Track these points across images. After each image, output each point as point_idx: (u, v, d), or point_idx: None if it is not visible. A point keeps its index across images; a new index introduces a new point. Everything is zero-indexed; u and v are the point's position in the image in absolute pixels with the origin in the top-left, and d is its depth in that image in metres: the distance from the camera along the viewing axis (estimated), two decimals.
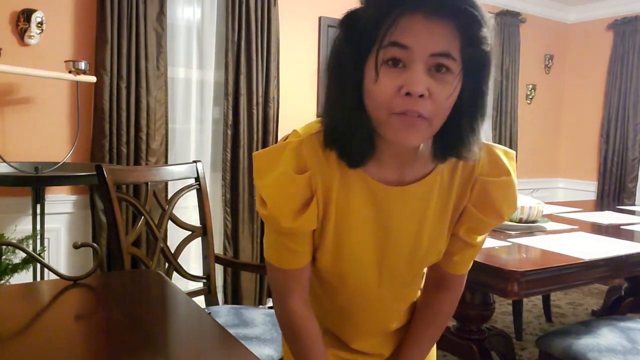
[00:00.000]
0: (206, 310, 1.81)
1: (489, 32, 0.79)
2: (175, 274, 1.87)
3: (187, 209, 2.70)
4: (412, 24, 0.75)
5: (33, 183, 2.29)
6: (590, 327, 1.89)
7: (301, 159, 0.87)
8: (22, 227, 2.53)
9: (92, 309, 1.12)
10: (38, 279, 2.31)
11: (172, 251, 1.87)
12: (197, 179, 1.97)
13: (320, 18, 3.49)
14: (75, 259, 2.74)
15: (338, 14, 0.87)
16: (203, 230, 1.95)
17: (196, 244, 2.01)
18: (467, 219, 0.97)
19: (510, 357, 2.23)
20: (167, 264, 1.88)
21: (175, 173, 1.96)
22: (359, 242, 0.95)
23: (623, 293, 2.89)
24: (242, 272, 3.15)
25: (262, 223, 0.95)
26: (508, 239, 2.06)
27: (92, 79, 2.56)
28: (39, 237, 2.32)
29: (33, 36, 2.54)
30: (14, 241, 1.71)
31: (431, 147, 0.89)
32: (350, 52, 0.81)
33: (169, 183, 2.80)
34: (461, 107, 0.82)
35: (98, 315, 1.06)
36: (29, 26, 2.52)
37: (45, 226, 2.39)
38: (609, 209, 3.07)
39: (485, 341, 2.06)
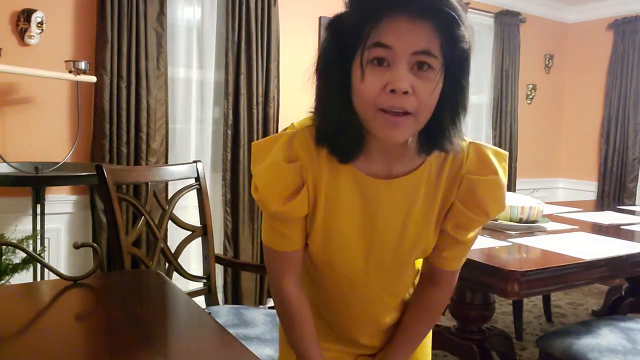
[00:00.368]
0: (206, 310, 1.81)
1: (466, 31, 0.84)
2: (175, 274, 1.87)
3: (187, 209, 2.70)
4: (394, 25, 0.80)
5: (33, 183, 2.29)
6: (591, 327, 1.89)
7: (292, 150, 0.93)
8: (22, 227, 2.53)
9: (92, 309, 1.12)
10: (38, 279, 2.31)
11: (172, 251, 1.87)
12: (197, 179, 1.96)
13: (320, 18, 3.49)
14: (76, 259, 2.74)
15: (337, 12, 0.89)
16: (203, 230, 1.95)
17: (196, 244, 2.01)
18: (454, 215, 1.00)
19: (511, 357, 2.23)
20: (167, 264, 1.88)
21: (176, 173, 1.96)
22: (347, 231, 0.99)
23: (623, 293, 2.89)
24: (242, 272, 3.15)
25: (262, 219, 0.99)
26: (508, 239, 2.06)
27: (92, 79, 2.56)
28: (39, 237, 2.32)
29: (33, 36, 2.54)
30: (14, 241, 1.71)
31: (417, 140, 0.93)
32: (336, 54, 0.87)
33: (169, 183, 2.80)
34: (443, 102, 0.87)
35: (98, 315, 1.06)
36: (29, 26, 2.52)
37: (46, 226, 2.39)
38: (609, 209, 3.07)
39: (485, 341, 2.06)
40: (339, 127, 0.89)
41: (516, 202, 2.24)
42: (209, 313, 1.69)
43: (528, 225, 2.23)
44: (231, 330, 1.49)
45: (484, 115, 4.60)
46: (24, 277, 2.08)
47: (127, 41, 2.71)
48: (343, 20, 0.86)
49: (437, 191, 0.99)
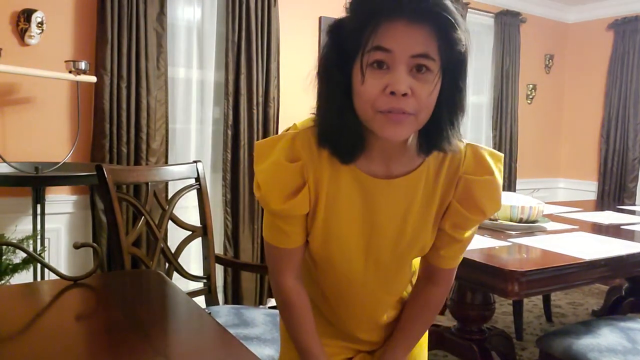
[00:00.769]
0: (206, 310, 1.81)
1: (463, 34, 0.86)
2: (175, 274, 1.87)
3: (188, 209, 2.70)
4: (393, 29, 0.83)
5: (33, 183, 2.29)
6: (591, 327, 1.89)
7: (294, 149, 0.96)
8: (23, 227, 2.53)
9: (92, 309, 1.12)
10: (38, 279, 2.31)
11: (173, 251, 1.87)
12: (198, 179, 1.96)
13: (320, 18, 3.49)
14: (76, 259, 2.74)
15: (338, 14, 0.93)
16: (203, 231, 1.95)
17: (196, 244, 2.01)
18: (452, 215, 1.02)
19: (511, 357, 2.23)
20: (167, 264, 1.88)
21: (176, 173, 1.96)
22: (347, 230, 1.01)
23: (623, 293, 2.89)
24: (243, 272, 3.15)
25: (262, 219, 1.01)
26: (508, 239, 2.06)
27: (93, 79, 2.56)
28: (39, 237, 2.32)
29: (33, 36, 2.54)
30: (14, 241, 1.71)
31: (416, 141, 0.96)
32: (337, 58, 0.89)
33: (169, 183, 2.80)
34: (441, 103, 0.89)
35: (98, 316, 1.06)
36: (29, 26, 2.52)
37: (46, 226, 2.39)
38: (609, 209, 3.07)
39: (485, 341, 2.06)
40: (340, 128, 0.91)
41: (516, 202, 2.24)
42: (209, 313, 1.69)
43: (528, 225, 2.23)
44: (231, 330, 1.49)
45: (484, 116, 4.60)
46: (24, 277, 2.08)
47: (127, 41, 2.71)
48: (343, 25, 0.88)
49: (435, 191, 1.01)
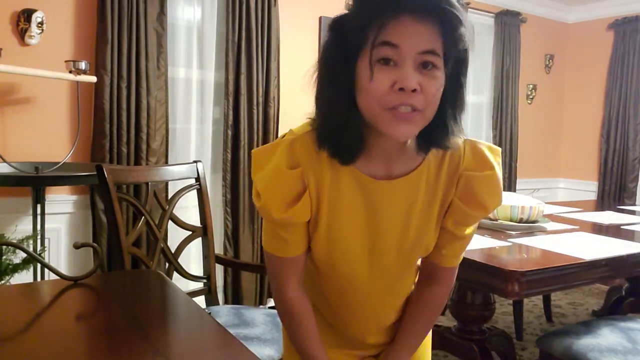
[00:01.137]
0: (206, 310, 1.81)
1: (466, 31, 0.86)
2: (175, 274, 1.87)
3: (188, 209, 2.70)
4: (400, 25, 0.82)
5: (33, 183, 2.29)
6: (591, 327, 1.89)
7: (294, 155, 0.94)
8: (23, 227, 2.53)
9: (92, 309, 1.12)
10: (38, 279, 2.31)
11: (173, 251, 1.87)
12: (198, 179, 1.96)
13: (320, 18, 3.49)
14: (76, 259, 2.74)
15: (338, 13, 0.90)
16: (203, 231, 1.95)
17: (196, 244, 2.01)
18: (454, 212, 1.02)
19: (511, 357, 2.23)
20: (167, 264, 1.88)
21: (176, 173, 1.96)
22: (350, 234, 0.99)
23: (624, 293, 2.89)
24: (243, 272, 3.15)
25: (262, 221, 0.98)
26: (508, 239, 2.06)
27: (93, 79, 2.56)
28: (39, 237, 2.32)
29: (33, 36, 2.54)
30: (14, 241, 1.71)
31: (416, 139, 0.95)
32: (341, 55, 0.88)
33: (169, 183, 2.80)
34: (445, 99, 0.89)
35: (98, 316, 1.06)
36: (29, 26, 2.52)
37: (46, 226, 2.39)
38: (609, 209, 3.07)
39: (486, 341, 2.06)
40: (342, 127, 0.90)
41: (516, 202, 2.24)
42: (209, 313, 1.69)
43: (528, 225, 2.23)
44: (231, 330, 1.48)
45: (484, 115, 4.60)
46: (24, 277, 2.08)
47: (127, 41, 2.71)
48: (346, 21, 0.87)
49: (437, 189, 1.00)
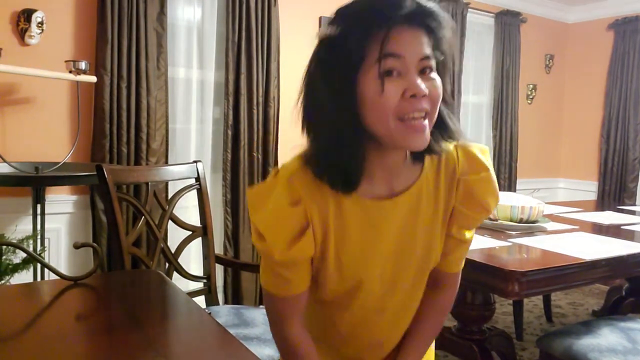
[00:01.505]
0: (206, 310, 1.81)
1: (449, 32, 0.88)
2: (175, 274, 1.86)
3: (188, 209, 2.70)
4: (400, 35, 0.83)
5: (33, 183, 2.29)
6: (591, 327, 1.89)
7: (294, 192, 0.90)
8: (23, 227, 2.52)
9: (92, 309, 1.12)
10: (38, 279, 2.31)
11: (173, 251, 1.87)
12: (198, 179, 1.96)
13: (320, 18, 3.49)
14: (76, 259, 2.74)
15: (324, 33, 0.89)
16: (203, 231, 1.95)
17: (196, 244, 2.01)
18: (458, 218, 1.02)
19: (511, 358, 2.23)
20: (167, 264, 1.88)
21: (176, 173, 1.96)
22: (361, 261, 0.97)
23: (624, 293, 2.89)
24: (243, 272, 3.15)
25: (259, 256, 0.94)
26: (508, 239, 2.06)
27: (93, 79, 2.56)
28: (39, 237, 2.32)
29: (33, 36, 2.54)
30: (15, 241, 1.71)
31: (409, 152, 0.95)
32: (341, 74, 0.85)
33: (169, 183, 2.80)
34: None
35: (98, 315, 1.06)
36: (30, 26, 2.52)
37: (46, 226, 2.39)
38: (609, 209, 3.07)
39: (486, 341, 2.06)
40: (347, 151, 0.88)
41: (516, 202, 2.24)
42: (209, 313, 1.69)
43: (528, 226, 2.22)
44: (231, 330, 1.48)
45: (484, 115, 4.60)
46: (24, 277, 2.08)
47: (127, 41, 2.71)
48: (340, 39, 0.85)
49: (438, 198, 1.00)
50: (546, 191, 4.97)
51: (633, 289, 2.84)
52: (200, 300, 1.91)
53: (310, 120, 0.91)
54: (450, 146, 0.99)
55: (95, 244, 1.31)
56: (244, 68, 3.11)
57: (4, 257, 2.01)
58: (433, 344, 1.22)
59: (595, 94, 4.87)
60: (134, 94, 2.75)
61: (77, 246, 1.20)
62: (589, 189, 4.89)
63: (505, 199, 2.24)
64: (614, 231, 2.37)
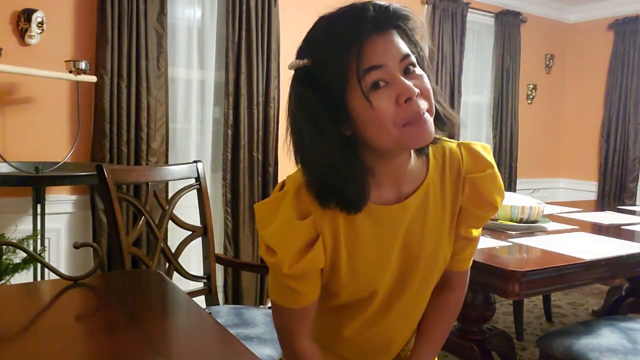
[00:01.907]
0: (207, 310, 1.81)
1: (416, 21, 0.89)
2: (175, 274, 1.87)
3: (188, 209, 2.70)
4: (374, 45, 0.83)
5: (33, 183, 2.29)
6: (591, 327, 1.89)
7: (302, 205, 0.90)
8: (23, 227, 2.53)
9: (92, 309, 1.12)
10: (38, 278, 2.31)
11: (173, 251, 1.87)
12: (198, 178, 1.96)
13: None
14: (76, 258, 2.74)
15: (298, 66, 0.89)
16: (203, 230, 1.95)
17: (196, 244, 2.01)
18: (466, 218, 1.01)
19: (511, 358, 2.23)
20: (167, 264, 1.88)
21: (176, 173, 1.96)
22: (375, 268, 0.97)
23: (624, 293, 2.89)
24: (243, 272, 3.15)
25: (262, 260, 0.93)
26: (509, 239, 2.06)
27: (93, 78, 2.56)
28: (39, 237, 2.32)
29: (33, 36, 2.54)
30: (15, 241, 1.71)
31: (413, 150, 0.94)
32: (324, 102, 0.84)
33: (170, 183, 2.80)
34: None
35: (98, 315, 1.06)
36: (30, 26, 2.52)
37: (46, 226, 2.39)
38: (609, 209, 3.07)
39: (486, 341, 2.06)
40: (345, 181, 0.87)
41: (516, 202, 2.24)
42: (209, 313, 1.69)
43: (528, 226, 2.22)
44: (231, 330, 1.48)
45: (484, 115, 4.60)
46: (24, 277, 2.08)
47: (127, 41, 2.71)
48: (318, 69, 0.85)
49: (445, 199, 0.99)
50: (546, 191, 4.97)
51: (633, 289, 2.84)
52: (201, 300, 1.91)
53: (302, 156, 0.89)
54: (453, 145, 0.99)
55: (95, 244, 1.31)
56: (244, 68, 3.11)
57: (4, 257, 2.01)
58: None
59: (595, 94, 4.87)
60: (134, 94, 2.75)
61: (77, 246, 1.20)
62: (589, 189, 4.89)
63: (506, 199, 2.23)
64: (614, 231, 2.37)
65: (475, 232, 1.06)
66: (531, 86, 4.87)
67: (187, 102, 3.10)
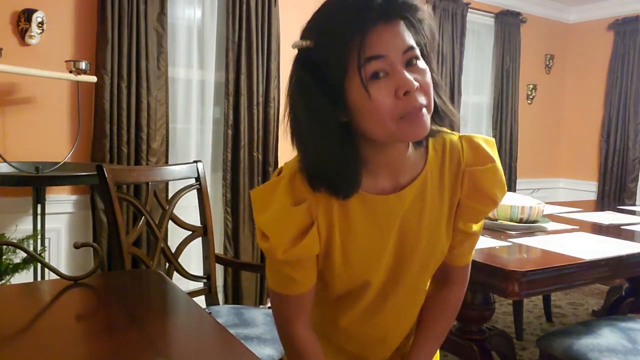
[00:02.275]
0: (207, 310, 1.81)
1: (425, 13, 0.87)
2: (175, 273, 1.87)
3: (188, 209, 2.70)
4: (379, 34, 0.81)
5: (34, 183, 2.29)
6: (591, 327, 1.89)
7: (296, 191, 0.90)
8: (23, 227, 2.53)
9: (92, 308, 1.12)
10: (39, 278, 2.31)
11: (173, 251, 1.87)
12: (198, 178, 1.97)
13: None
14: (76, 258, 2.74)
15: (300, 49, 0.89)
16: (203, 230, 1.95)
17: (197, 244, 2.01)
18: (464, 212, 1.00)
19: (511, 358, 2.23)
20: (167, 264, 1.88)
21: (176, 173, 1.96)
22: (369, 257, 0.96)
23: (624, 293, 2.89)
24: (243, 272, 3.15)
25: (263, 256, 0.94)
26: (509, 239, 2.06)
27: (93, 78, 2.56)
28: (39, 237, 2.32)
29: (34, 36, 2.54)
30: (15, 241, 1.71)
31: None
32: (324, 91, 0.84)
33: (170, 183, 2.80)
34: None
35: (99, 315, 1.06)
36: (30, 26, 2.52)
37: (46, 226, 2.39)
38: (609, 209, 3.07)
39: (485, 341, 2.06)
40: (339, 166, 0.86)
41: (516, 202, 2.24)
42: (210, 313, 1.69)
43: (528, 225, 2.23)
44: (231, 330, 1.48)
45: (484, 115, 4.60)
46: (24, 277, 2.08)
47: (127, 41, 2.71)
48: (319, 53, 0.85)
49: (443, 190, 0.98)
50: (546, 191, 4.97)
51: (633, 289, 2.84)
52: (201, 300, 1.91)
53: (298, 138, 0.89)
54: (455, 137, 0.98)
55: (95, 244, 1.31)
56: (244, 68, 3.11)
57: (4, 257, 2.01)
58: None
59: (595, 94, 4.87)
60: (134, 94, 2.75)
61: (77, 246, 1.20)
62: (589, 189, 4.89)
63: (505, 199, 2.24)
64: (614, 231, 2.37)
65: (475, 227, 1.04)
66: (531, 86, 4.88)
67: (187, 102, 3.10)
